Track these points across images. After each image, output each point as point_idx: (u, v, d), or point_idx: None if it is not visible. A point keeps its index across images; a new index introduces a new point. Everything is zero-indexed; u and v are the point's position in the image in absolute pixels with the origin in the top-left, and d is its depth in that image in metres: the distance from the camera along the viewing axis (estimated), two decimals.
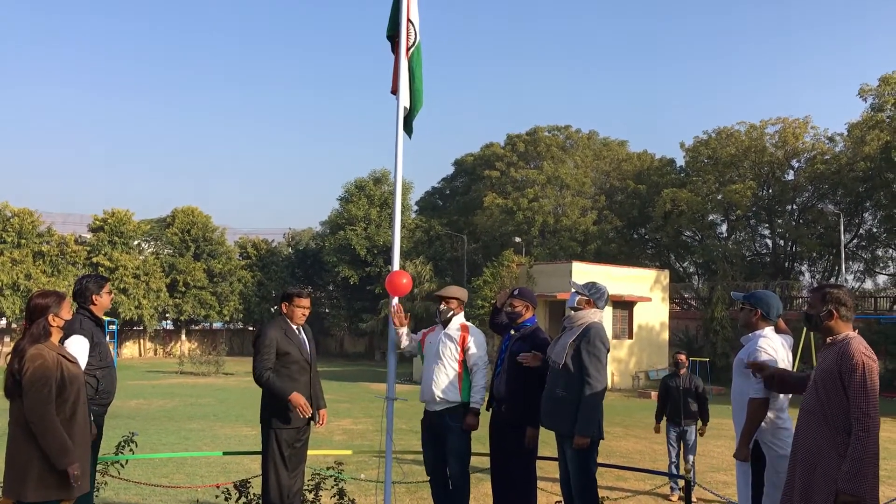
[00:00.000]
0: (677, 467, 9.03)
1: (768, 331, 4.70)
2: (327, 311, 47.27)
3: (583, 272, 26.33)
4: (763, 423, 4.49)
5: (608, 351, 5.39)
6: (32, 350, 4.04)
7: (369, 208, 45.33)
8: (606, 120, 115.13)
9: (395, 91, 6.33)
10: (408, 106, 6.31)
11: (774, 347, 4.59)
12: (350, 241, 43.85)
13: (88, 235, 43.07)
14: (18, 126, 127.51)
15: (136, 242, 43.80)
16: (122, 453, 6.29)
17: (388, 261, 41.27)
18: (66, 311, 4.26)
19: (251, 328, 48.40)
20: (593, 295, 5.54)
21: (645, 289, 30.28)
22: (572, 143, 45.77)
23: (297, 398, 5.35)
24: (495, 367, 5.85)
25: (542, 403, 5.46)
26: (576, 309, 5.50)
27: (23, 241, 38.42)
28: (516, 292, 5.92)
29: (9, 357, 4.15)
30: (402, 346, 5.97)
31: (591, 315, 5.46)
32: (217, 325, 48.21)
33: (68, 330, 4.64)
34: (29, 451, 3.97)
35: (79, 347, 4.81)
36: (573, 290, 5.59)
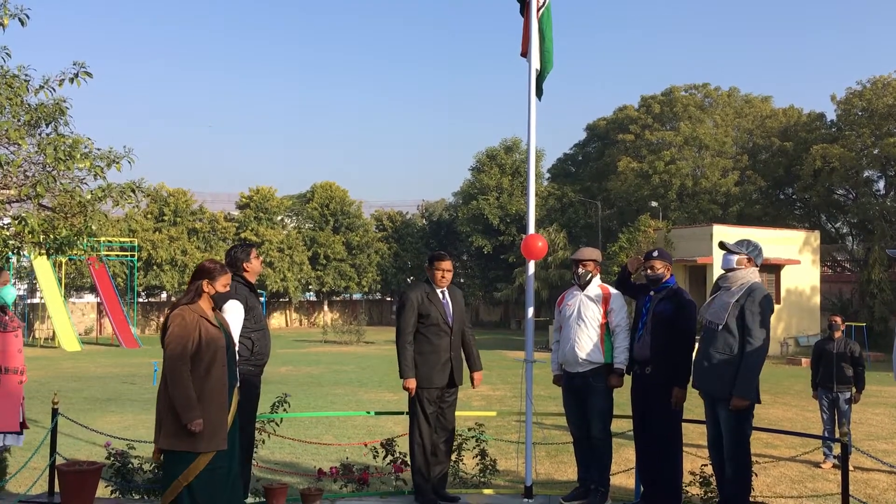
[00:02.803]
0: (831, 433, 8.62)
1: None
2: (462, 280, 47.83)
3: (725, 235, 25.31)
4: None
5: (772, 312, 5.22)
6: (177, 310, 4.47)
7: (501, 177, 45.28)
8: (748, 76, 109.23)
9: (524, 53, 6.32)
10: (539, 68, 6.26)
11: None
12: (483, 211, 44.04)
13: (236, 212, 45.43)
14: (172, 111, 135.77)
15: (279, 218, 45.78)
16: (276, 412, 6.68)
17: (522, 229, 41.61)
18: (222, 284, 4.66)
19: (389, 298, 49.75)
20: (752, 252, 5.38)
21: (793, 251, 28.88)
22: (711, 101, 43.74)
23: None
24: (634, 329, 5.77)
25: (695, 364, 5.35)
26: (732, 269, 5.35)
27: (178, 219, 41.01)
28: (655, 254, 5.79)
29: None
30: None
31: (751, 274, 5.31)
32: (357, 296, 49.76)
33: (224, 297, 4.98)
34: (167, 402, 4.35)
35: (234, 312, 5.16)
36: (726, 252, 5.42)
